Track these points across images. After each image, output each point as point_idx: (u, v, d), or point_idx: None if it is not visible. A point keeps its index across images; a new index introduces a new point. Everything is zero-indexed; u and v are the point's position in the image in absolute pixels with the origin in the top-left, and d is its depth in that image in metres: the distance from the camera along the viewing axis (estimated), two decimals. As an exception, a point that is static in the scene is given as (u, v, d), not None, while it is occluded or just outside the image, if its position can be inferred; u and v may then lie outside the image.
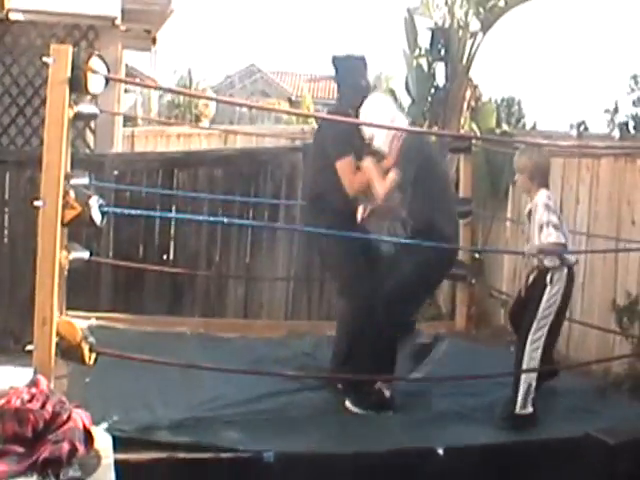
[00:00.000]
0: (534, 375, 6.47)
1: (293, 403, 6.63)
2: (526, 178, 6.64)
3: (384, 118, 6.80)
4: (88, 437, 4.39)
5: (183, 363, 6.42)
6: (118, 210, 7.90)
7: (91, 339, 5.22)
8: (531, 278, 6.70)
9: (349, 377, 6.79)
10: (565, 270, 6.45)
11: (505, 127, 10.99)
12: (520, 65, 74.57)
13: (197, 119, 35.36)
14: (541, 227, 6.38)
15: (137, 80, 17.00)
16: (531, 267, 6.73)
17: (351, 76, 7.16)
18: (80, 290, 8.63)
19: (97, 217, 5.03)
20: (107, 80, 4.99)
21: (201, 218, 7.69)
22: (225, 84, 49.60)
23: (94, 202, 5.01)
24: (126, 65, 26.65)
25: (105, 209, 5.11)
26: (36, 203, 4.86)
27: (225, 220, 6.99)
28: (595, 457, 5.96)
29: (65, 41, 11.09)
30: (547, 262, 6.44)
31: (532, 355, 6.45)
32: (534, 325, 6.44)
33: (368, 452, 5.90)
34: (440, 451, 5.88)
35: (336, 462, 5.81)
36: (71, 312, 8.37)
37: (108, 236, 9.81)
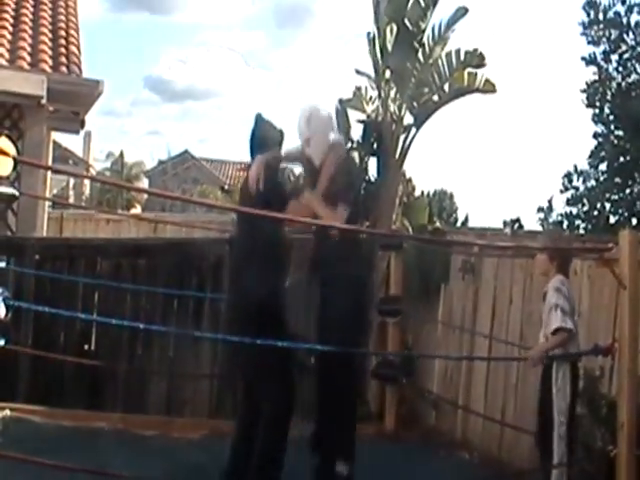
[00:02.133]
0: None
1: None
2: (545, 258, 6.50)
3: (324, 134, 6.85)
4: None
5: (90, 469, 5.98)
6: (24, 304, 7.53)
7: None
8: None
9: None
10: (568, 366, 6.26)
11: (437, 224, 10.80)
12: (453, 158, 75.54)
13: (129, 204, 35.23)
14: (550, 310, 6.25)
15: (70, 162, 16.69)
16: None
17: (271, 140, 6.87)
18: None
19: (1, 310, 4.66)
20: (16, 162, 4.68)
21: (114, 322, 7.26)
22: (158, 170, 49.57)
23: (-2, 294, 4.65)
24: (60, 146, 26.54)
25: (10, 302, 4.74)
26: None
27: (141, 326, 6.61)
28: None
29: (-12, 118, 10.86)
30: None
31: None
32: (555, 433, 6.18)
33: None
34: None
35: None
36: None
37: (27, 322, 9.42)
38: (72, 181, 35.06)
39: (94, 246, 10.40)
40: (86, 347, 9.78)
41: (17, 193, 7.76)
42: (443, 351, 9.44)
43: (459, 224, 20.20)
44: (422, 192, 12.49)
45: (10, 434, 7.13)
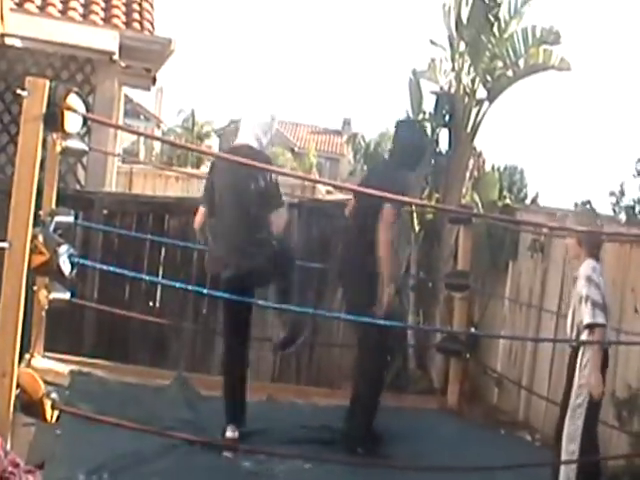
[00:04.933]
0: (574, 467, 6.02)
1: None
2: (575, 243, 6.31)
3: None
4: (39, 506, 4.03)
5: (153, 429, 6.01)
6: (88, 262, 7.55)
7: (54, 395, 4.77)
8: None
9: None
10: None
11: (508, 201, 10.62)
12: (524, 135, 74.79)
13: (199, 162, 35.27)
14: (580, 301, 6.05)
15: (141, 117, 16.76)
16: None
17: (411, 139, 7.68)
18: (61, 332, 8.37)
19: (66, 267, 4.61)
20: (85, 120, 4.62)
21: (178, 285, 7.26)
22: (229, 129, 49.62)
23: (63, 250, 4.60)
24: (131, 100, 26.61)
25: (75, 259, 4.69)
26: (0, 245, 4.44)
27: (205, 291, 6.62)
28: None
29: (61, 72, 10.97)
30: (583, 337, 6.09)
31: (569, 449, 6.05)
32: (568, 414, 6.09)
33: None
34: None
35: None
36: (50, 354, 8.18)
37: (93, 276, 9.48)
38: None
39: (162, 203, 10.42)
40: (151, 304, 9.82)
41: (87, 148, 7.74)
42: (509, 329, 9.31)
43: (528, 201, 19.89)
44: (492, 166, 12.28)
45: (78, 389, 7.19)
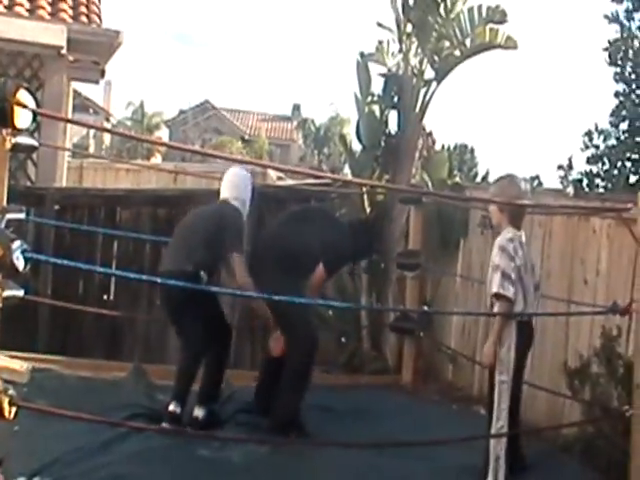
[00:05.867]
0: (502, 446, 6.12)
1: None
2: (496, 210, 6.30)
3: None
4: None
5: (111, 420, 6.06)
6: (42, 257, 7.55)
7: (11, 391, 4.81)
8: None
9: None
10: (513, 325, 6.03)
11: (457, 179, 10.75)
12: (474, 114, 75.29)
13: (149, 154, 35.17)
14: (492, 270, 6.06)
15: (90, 111, 16.66)
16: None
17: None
18: (16, 329, 8.36)
19: (19, 263, 4.65)
20: (35, 115, 4.65)
21: (132, 276, 7.30)
22: (178, 119, 49.45)
23: (17, 246, 4.63)
24: (80, 94, 26.41)
25: (29, 255, 4.72)
26: (-49, 243, 4.47)
27: (159, 280, 6.76)
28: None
29: (9, 68, 10.90)
30: (496, 309, 6.06)
31: (499, 425, 6.14)
32: (495, 389, 6.15)
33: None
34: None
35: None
36: (5, 352, 8.15)
37: (46, 272, 9.47)
38: (92, 130, 35.12)
39: (114, 196, 10.43)
40: (105, 297, 9.84)
41: (37, 144, 7.75)
42: (462, 306, 9.45)
43: (479, 179, 20.10)
44: (443, 146, 12.38)
45: (35, 385, 7.22)
